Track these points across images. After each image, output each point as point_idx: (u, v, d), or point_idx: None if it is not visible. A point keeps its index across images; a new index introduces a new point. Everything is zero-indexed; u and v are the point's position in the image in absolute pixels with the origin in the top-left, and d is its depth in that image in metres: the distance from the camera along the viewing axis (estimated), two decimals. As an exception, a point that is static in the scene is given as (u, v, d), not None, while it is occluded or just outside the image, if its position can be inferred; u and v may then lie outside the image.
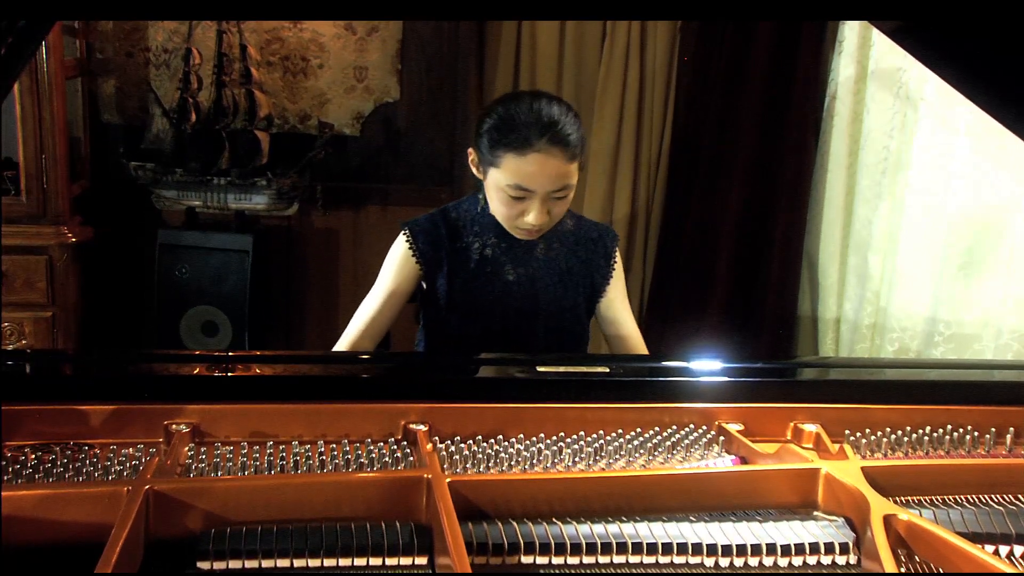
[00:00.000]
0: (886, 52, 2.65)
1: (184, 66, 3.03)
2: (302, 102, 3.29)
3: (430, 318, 1.84)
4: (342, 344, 1.75)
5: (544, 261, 1.80)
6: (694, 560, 0.97)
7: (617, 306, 1.87)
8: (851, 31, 2.74)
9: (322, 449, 1.12)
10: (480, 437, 1.17)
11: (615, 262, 1.86)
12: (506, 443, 1.17)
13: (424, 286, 1.82)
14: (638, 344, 1.86)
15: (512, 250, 1.79)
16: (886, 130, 2.69)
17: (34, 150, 2.74)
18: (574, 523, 0.98)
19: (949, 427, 1.28)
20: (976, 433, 1.27)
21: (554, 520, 0.99)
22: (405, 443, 1.18)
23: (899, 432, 1.26)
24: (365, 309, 1.77)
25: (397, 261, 1.78)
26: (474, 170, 1.73)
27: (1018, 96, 1.00)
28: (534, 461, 1.15)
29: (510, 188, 1.63)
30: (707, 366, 1.41)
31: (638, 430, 1.24)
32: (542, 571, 0.94)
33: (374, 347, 1.77)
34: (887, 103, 2.67)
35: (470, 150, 1.72)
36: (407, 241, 1.78)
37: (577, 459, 1.17)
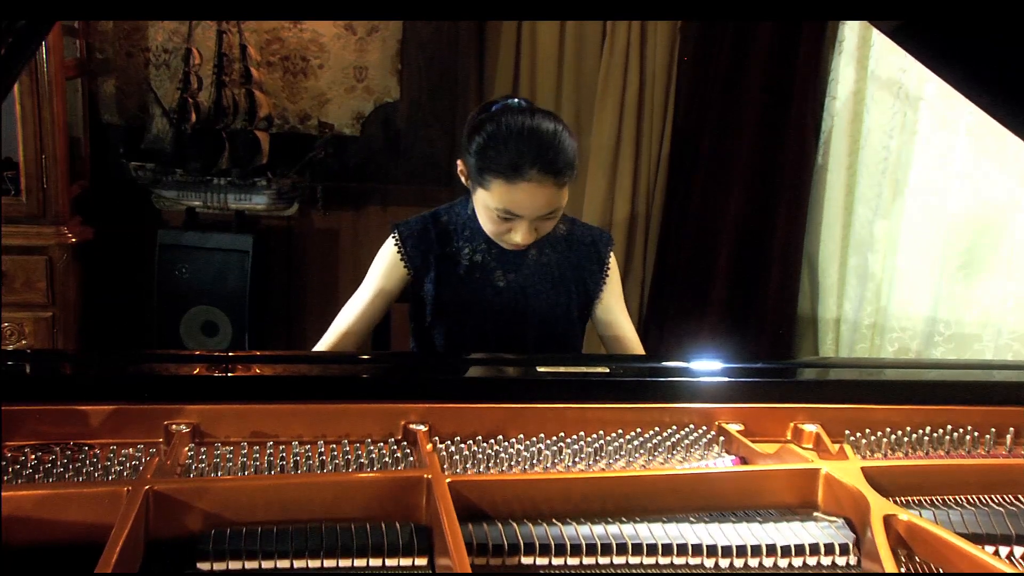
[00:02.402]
0: (886, 52, 2.65)
1: (184, 66, 3.04)
2: (302, 102, 3.29)
3: (419, 324, 1.81)
4: (323, 343, 1.71)
5: (536, 267, 1.76)
6: (694, 561, 0.97)
7: (614, 310, 1.82)
8: (851, 31, 2.74)
9: (322, 449, 1.12)
10: (480, 437, 1.17)
11: (608, 268, 1.81)
12: (506, 443, 1.17)
13: (412, 291, 1.79)
14: (634, 345, 1.81)
15: (503, 255, 1.74)
16: (886, 130, 2.69)
17: (34, 150, 2.74)
18: (574, 524, 0.98)
19: (949, 427, 1.27)
20: (976, 433, 1.27)
21: (554, 521, 0.99)
22: (405, 443, 1.18)
23: (899, 432, 1.26)
24: (349, 309, 1.73)
25: (385, 263, 1.75)
26: (463, 179, 1.69)
27: (1018, 96, 1.00)
28: (534, 461, 1.15)
29: (498, 211, 1.60)
30: (707, 366, 1.41)
31: (638, 430, 1.24)
32: (542, 572, 0.94)
33: (355, 348, 1.73)
34: (887, 103, 2.67)
35: (459, 161, 1.67)
36: (396, 244, 1.74)
37: (577, 459, 1.17)
